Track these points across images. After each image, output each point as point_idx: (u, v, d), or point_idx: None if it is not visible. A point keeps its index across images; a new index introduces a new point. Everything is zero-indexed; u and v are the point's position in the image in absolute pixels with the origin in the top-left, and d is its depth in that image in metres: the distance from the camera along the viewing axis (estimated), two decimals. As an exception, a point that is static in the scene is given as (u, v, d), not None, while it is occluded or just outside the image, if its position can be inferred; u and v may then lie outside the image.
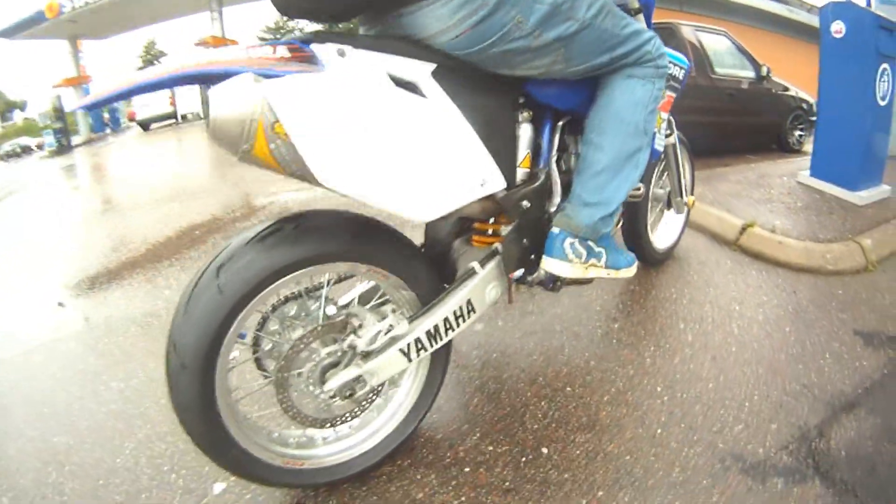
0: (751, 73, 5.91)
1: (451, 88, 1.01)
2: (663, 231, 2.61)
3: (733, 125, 5.82)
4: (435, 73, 0.99)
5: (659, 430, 1.45)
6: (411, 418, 1.30)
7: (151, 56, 42.73)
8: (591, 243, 1.26)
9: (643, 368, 1.73)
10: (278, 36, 44.83)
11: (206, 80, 0.83)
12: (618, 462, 1.34)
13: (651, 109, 1.23)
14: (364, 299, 1.23)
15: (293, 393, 1.11)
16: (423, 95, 0.98)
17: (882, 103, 3.46)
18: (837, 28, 3.32)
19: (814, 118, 6.16)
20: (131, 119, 21.92)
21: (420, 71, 0.98)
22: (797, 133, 6.47)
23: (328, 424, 1.21)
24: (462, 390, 1.64)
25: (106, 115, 22.40)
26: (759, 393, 1.64)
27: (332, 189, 0.91)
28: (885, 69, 3.37)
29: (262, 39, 39.28)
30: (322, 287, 1.13)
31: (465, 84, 1.03)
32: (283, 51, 0.88)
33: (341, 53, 0.91)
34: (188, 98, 19.80)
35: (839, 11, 3.34)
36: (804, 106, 6.49)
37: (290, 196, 4.54)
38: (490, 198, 1.17)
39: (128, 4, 17.54)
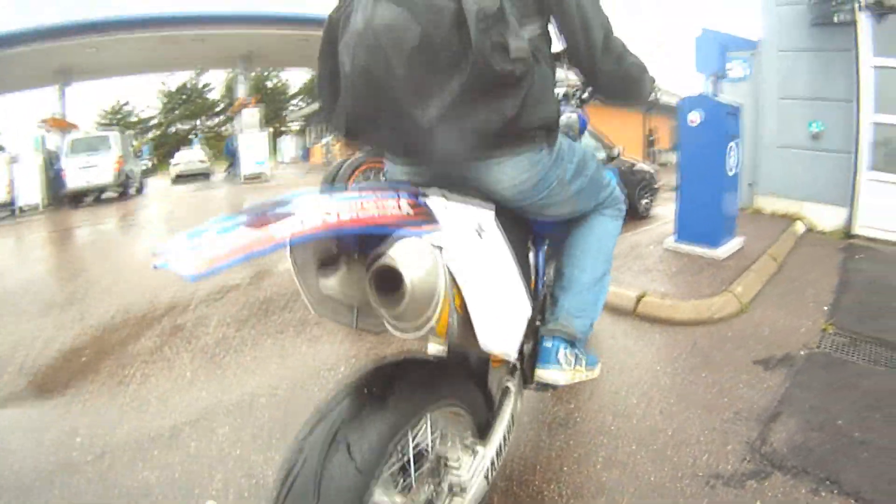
0: (603, 154, 7.38)
1: (503, 230, 1.31)
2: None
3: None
4: (495, 217, 1.30)
5: (652, 477, 1.95)
6: None
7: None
8: (577, 350, 1.62)
9: (612, 434, 2.24)
10: (116, 119, 44.79)
11: (344, 235, 1.05)
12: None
13: (615, 240, 1.83)
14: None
15: None
16: (481, 235, 1.24)
17: (731, 174, 4.83)
18: (694, 117, 4.64)
19: (656, 186, 7.86)
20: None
21: (487, 216, 1.27)
22: (644, 201, 8.07)
23: None
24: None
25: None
26: (706, 427, 2.24)
27: (490, 351, 1.19)
28: (732, 146, 4.77)
29: (102, 124, 39.06)
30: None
31: (510, 226, 1.34)
32: (405, 205, 1.07)
33: (444, 204, 1.17)
34: (27, 184, 16.20)
35: (696, 103, 4.68)
36: (647, 177, 8.16)
37: (169, 296, 4.47)
38: None
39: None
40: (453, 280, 1.06)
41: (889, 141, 6.04)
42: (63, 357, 3.40)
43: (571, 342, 1.61)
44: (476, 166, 1.31)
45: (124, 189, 16.47)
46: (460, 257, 1.09)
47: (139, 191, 18.32)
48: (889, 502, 1.78)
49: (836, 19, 5.94)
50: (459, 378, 1.34)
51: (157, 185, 22.23)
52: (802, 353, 2.98)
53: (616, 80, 1.45)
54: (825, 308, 3.70)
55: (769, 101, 6.76)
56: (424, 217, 1.09)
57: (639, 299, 3.65)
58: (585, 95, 1.97)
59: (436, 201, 1.16)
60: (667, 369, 2.80)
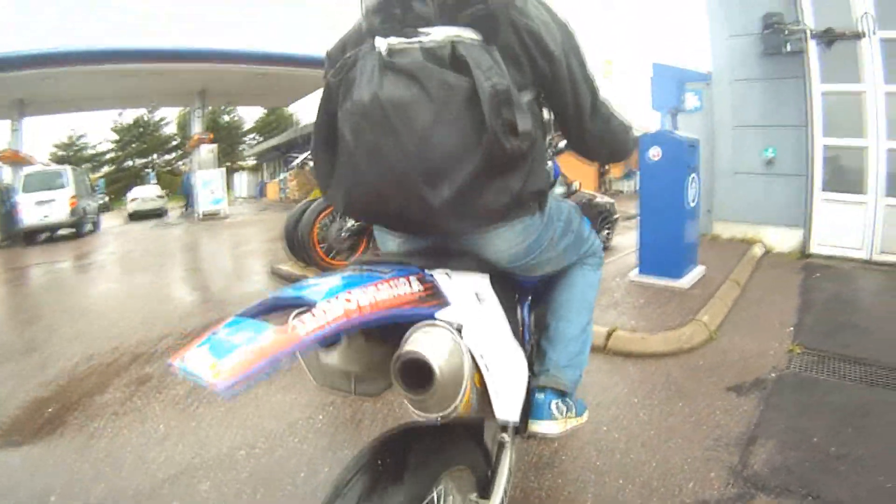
0: (562, 189, 7.60)
1: (497, 293, 1.39)
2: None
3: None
4: (490, 282, 1.39)
5: (644, 511, 2.01)
6: None
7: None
8: (568, 399, 1.68)
9: (598, 471, 2.30)
10: (71, 152, 44.73)
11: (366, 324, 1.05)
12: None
13: (597, 290, 1.92)
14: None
15: None
16: (480, 302, 1.31)
17: (691, 205, 5.09)
18: (655, 152, 4.89)
19: (616, 216, 8.14)
20: None
21: (484, 282, 1.36)
22: (605, 232, 8.35)
23: None
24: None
25: None
26: (689, 456, 2.33)
27: (504, 420, 1.24)
28: (691, 178, 5.03)
29: (55, 159, 38.48)
30: None
31: (499, 286, 1.42)
32: (416, 285, 1.13)
33: (449, 277, 1.24)
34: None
35: (657, 138, 4.94)
36: (606, 209, 8.46)
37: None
38: None
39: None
40: (473, 360, 1.11)
41: (838, 162, 6.52)
42: (28, 410, 3.30)
43: (563, 394, 1.68)
44: (474, 237, 1.36)
45: (80, 226, 16.32)
46: (477, 336, 1.14)
47: (95, 228, 18.21)
48: None
49: (786, 49, 6.45)
50: (462, 439, 1.38)
51: (113, 222, 22.01)
52: (773, 375, 3.14)
53: (603, 142, 1.52)
54: (790, 329, 3.91)
55: (723, 130, 7.23)
56: (434, 295, 1.15)
57: (609, 334, 3.77)
58: (561, 145, 2.05)
59: (441, 276, 1.22)
60: (644, 402, 2.90)
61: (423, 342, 1.05)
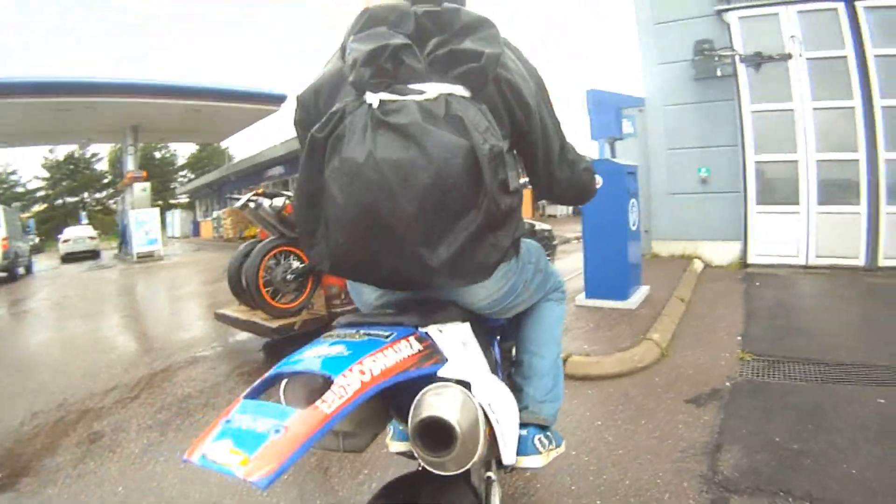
0: None
1: (476, 336, 1.47)
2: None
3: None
4: (470, 327, 1.47)
5: (621, 528, 2.06)
6: None
7: None
8: (549, 432, 1.72)
9: (574, 495, 2.36)
10: (0, 191, 43.26)
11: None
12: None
13: (562, 322, 1.98)
14: None
15: None
16: (465, 348, 1.39)
17: (633, 228, 5.35)
18: (597, 180, 5.01)
19: (555, 242, 8.40)
20: None
21: (466, 329, 1.43)
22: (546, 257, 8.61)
23: None
24: None
25: None
26: (660, 470, 2.42)
27: (510, 463, 1.32)
28: (632, 203, 5.29)
29: None
30: None
31: (476, 328, 1.49)
32: (416, 345, 1.19)
33: (440, 330, 1.31)
34: None
35: (598, 167, 5.03)
36: (547, 235, 8.73)
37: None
38: None
39: None
40: (484, 414, 1.17)
41: (771, 176, 7.10)
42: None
43: (544, 428, 1.74)
44: (458, 288, 1.40)
45: (12, 270, 15.68)
46: (484, 390, 1.21)
47: (28, 271, 17.63)
48: (838, 497, 2.05)
49: (717, 73, 7.10)
50: (457, 483, 1.40)
51: (46, 264, 21.27)
52: (728, 384, 3.31)
53: (571, 186, 1.59)
54: (738, 338, 4.14)
55: (657, 153, 7.78)
56: (433, 352, 1.21)
57: (565, 360, 3.87)
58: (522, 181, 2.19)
59: (434, 332, 1.27)
60: (607, 423, 2.99)
61: (440, 404, 1.10)
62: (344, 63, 1.28)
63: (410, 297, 1.44)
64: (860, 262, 6.60)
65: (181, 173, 51.85)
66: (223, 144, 45.17)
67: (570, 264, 5.46)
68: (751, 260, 6.91)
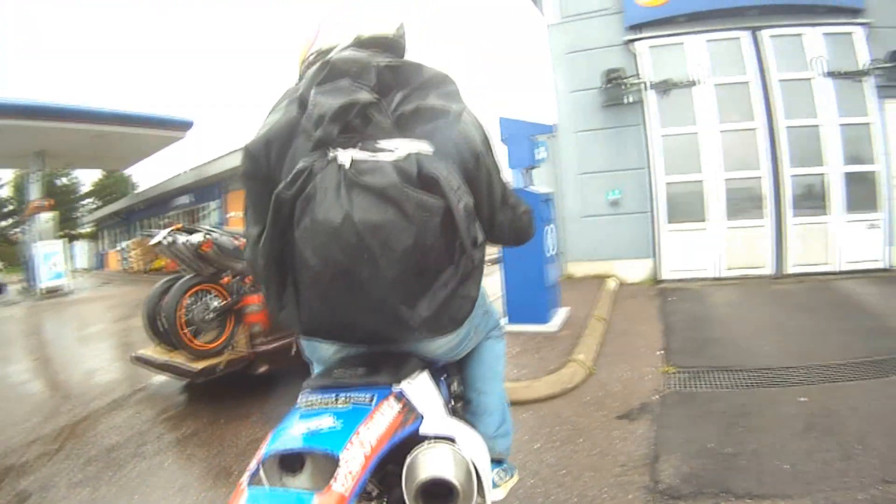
0: None
1: (433, 381, 1.59)
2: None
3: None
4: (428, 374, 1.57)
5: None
6: None
7: None
8: (505, 464, 1.86)
9: (520, 521, 2.44)
10: None
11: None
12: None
13: (504, 359, 2.05)
14: None
15: None
16: (429, 395, 1.50)
17: (550, 254, 5.59)
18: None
19: None
20: None
21: (427, 378, 1.53)
22: None
23: None
24: None
25: None
26: (604, 486, 2.56)
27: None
28: (549, 229, 5.54)
29: None
30: None
31: (432, 374, 1.60)
32: (395, 405, 1.28)
33: (410, 384, 1.39)
34: None
35: None
36: None
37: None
38: None
39: None
40: (474, 466, 1.25)
41: (680, 195, 7.76)
42: None
43: (499, 461, 1.85)
44: (420, 341, 1.46)
45: None
46: (468, 443, 1.30)
47: None
48: (776, 491, 2.27)
49: (627, 100, 7.74)
50: None
51: None
52: (656, 397, 3.53)
53: (511, 229, 1.63)
54: (660, 352, 4.42)
55: (569, 177, 8.33)
56: (410, 409, 1.30)
57: (495, 386, 3.99)
58: None
59: (407, 388, 1.36)
60: (546, 445, 3.11)
61: (436, 465, 1.18)
62: (300, 113, 1.30)
63: (368, 351, 1.50)
64: (769, 271, 7.34)
65: (85, 201, 49.22)
66: (127, 172, 43.69)
67: (487, 289, 5.62)
68: (664, 276, 7.44)
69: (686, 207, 7.71)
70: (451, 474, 1.17)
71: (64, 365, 7.58)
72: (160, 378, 5.06)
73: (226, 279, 4.65)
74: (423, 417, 1.30)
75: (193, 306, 4.35)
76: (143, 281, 17.66)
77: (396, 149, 1.19)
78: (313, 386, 1.35)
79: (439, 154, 1.24)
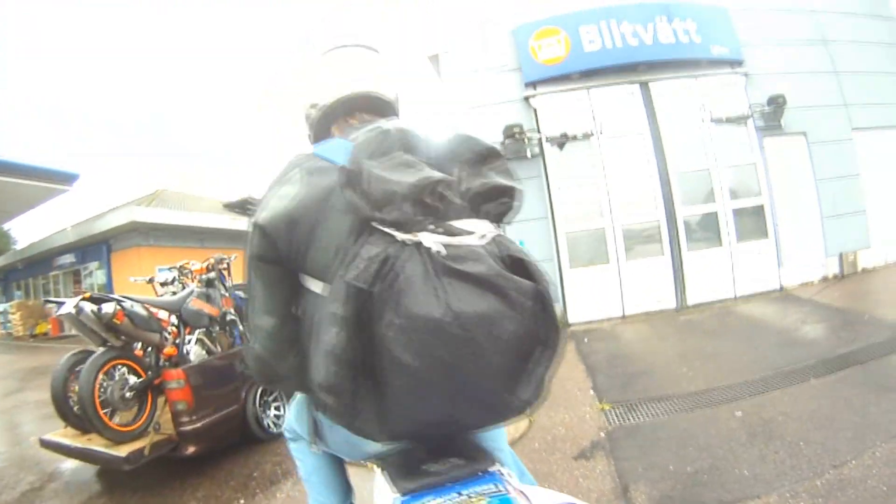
0: None
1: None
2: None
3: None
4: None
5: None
6: None
7: None
8: None
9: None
10: None
11: None
12: None
13: None
14: None
15: None
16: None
17: None
18: None
19: None
20: None
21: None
22: None
23: None
24: None
25: None
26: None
27: None
28: None
29: None
30: None
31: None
32: (512, 489, 1.19)
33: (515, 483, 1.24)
34: None
35: None
36: None
37: None
38: None
39: None
40: None
41: (582, 242, 8.40)
42: None
43: None
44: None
45: None
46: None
47: None
48: (744, 494, 2.60)
49: (528, 154, 8.29)
50: None
51: None
52: (602, 434, 3.83)
53: None
54: (591, 392, 4.75)
55: None
56: (511, 488, 1.16)
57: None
58: None
59: (501, 467, 1.25)
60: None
61: None
62: (328, 187, 1.22)
63: (438, 446, 1.36)
64: (672, 304, 8.04)
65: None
66: (4, 227, 40.11)
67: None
68: (572, 319, 7.90)
69: (587, 253, 8.33)
70: None
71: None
72: (69, 463, 4.67)
73: (138, 352, 4.45)
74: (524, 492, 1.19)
75: (108, 384, 4.07)
76: (29, 348, 16.37)
77: (475, 230, 1.14)
78: (414, 489, 1.19)
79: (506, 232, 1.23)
